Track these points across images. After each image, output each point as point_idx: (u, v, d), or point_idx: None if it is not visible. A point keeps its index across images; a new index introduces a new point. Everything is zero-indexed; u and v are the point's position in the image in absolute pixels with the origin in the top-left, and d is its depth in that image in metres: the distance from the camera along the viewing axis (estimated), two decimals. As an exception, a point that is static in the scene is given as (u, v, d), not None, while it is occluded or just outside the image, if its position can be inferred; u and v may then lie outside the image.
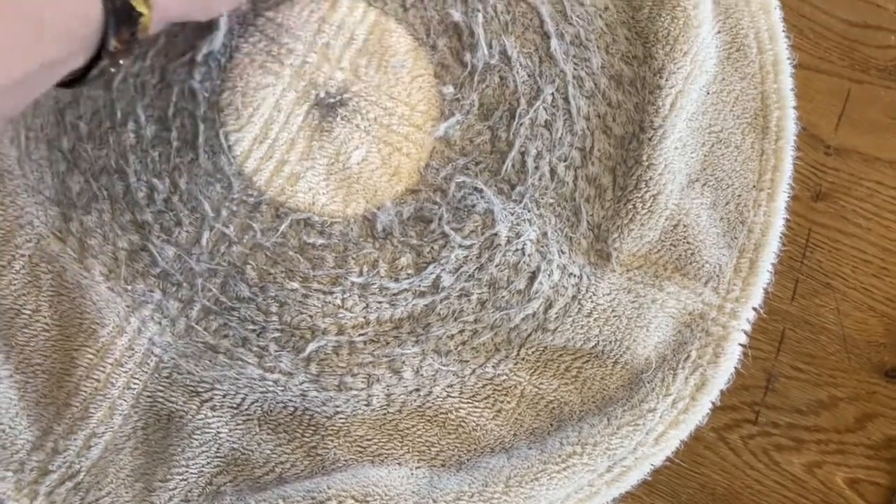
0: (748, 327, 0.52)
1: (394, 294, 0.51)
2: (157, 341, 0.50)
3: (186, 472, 0.48)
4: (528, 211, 0.52)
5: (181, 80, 0.52)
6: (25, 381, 0.48)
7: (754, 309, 0.53)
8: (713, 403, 0.51)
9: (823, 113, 0.58)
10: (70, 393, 0.48)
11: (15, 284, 0.49)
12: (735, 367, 0.52)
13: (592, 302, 0.52)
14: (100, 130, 0.51)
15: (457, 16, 0.54)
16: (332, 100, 0.53)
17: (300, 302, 0.51)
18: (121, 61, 0.41)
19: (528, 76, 0.54)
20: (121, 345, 0.49)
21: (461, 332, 0.51)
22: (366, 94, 0.53)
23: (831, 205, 0.57)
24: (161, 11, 0.41)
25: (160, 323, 0.50)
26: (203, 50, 0.52)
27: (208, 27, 0.52)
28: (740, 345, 0.52)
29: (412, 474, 0.49)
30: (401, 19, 0.54)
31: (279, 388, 0.50)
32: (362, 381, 0.50)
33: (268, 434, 0.49)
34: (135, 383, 0.49)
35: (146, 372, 0.49)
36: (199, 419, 0.49)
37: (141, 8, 0.39)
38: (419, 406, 0.51)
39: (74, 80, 0.41)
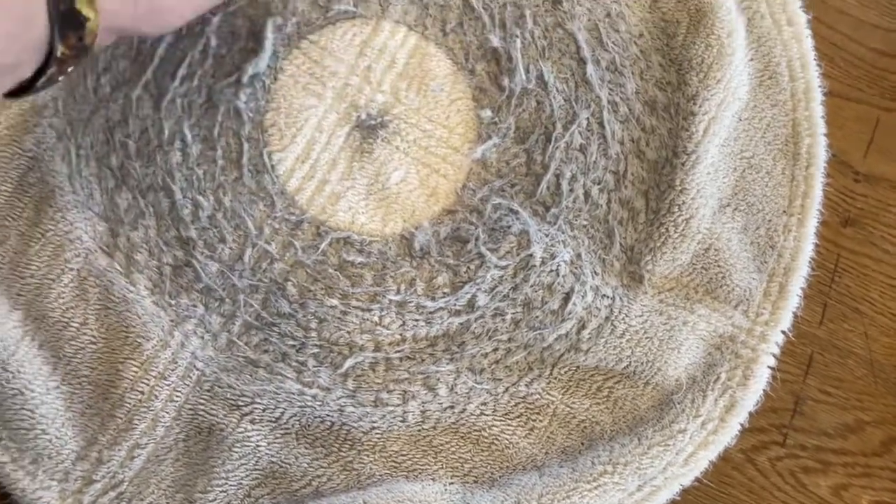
0: (777, 350, 0.53)
1: (430, 312, 0.52)
2: (199, 355, 0.51)
3: (226, 483, 0.49)
4: (563, 232, 0.53)
5: (227, 101, 0.53)
6: (72, 392, 0.49)
7: (783, 332, 0.54)
8: (741, 425, 0.52)
9: (853, 140, 0.59)
10: (115, 404, 0.49)
11: (64, 297, 0.50)
12: (763, 390, 0.53)
13: (625, 323, 0.53)
14: (148, 149, 0.53)
15: (495, 41, 0.55)
16: (372, 121, 0.54)
17: (339, 318, 0.52)
18: (69, 69, 0.40)
19: (564, 101, 0.55)
20: (164, 358, 0.50)
21: (495, 350, 0.52)
22: (405, 116, 0.55)
23: (860, 230, 0.58)
24: (109, 18, 0.40)
25: (203, 337, 0.51)
26: (249, 71, 0.53)
27: (254, 49, 0.53)
28: (769, 367, 0.53)
29: (446, 490, 0.50)
30: (440, 44, 0.56)
31: (317, 402, 0.51)
32: (398, 398, 0.51)
33: (305, 448, 0.50)
34: (177, 396, 0.50)
35: (188, 385, 0.50)
36: (240, 432, 0.50)
37: (86, 12, 0.38)
38: (453, 423, 0.52)
39: (22, 89, 0.40)
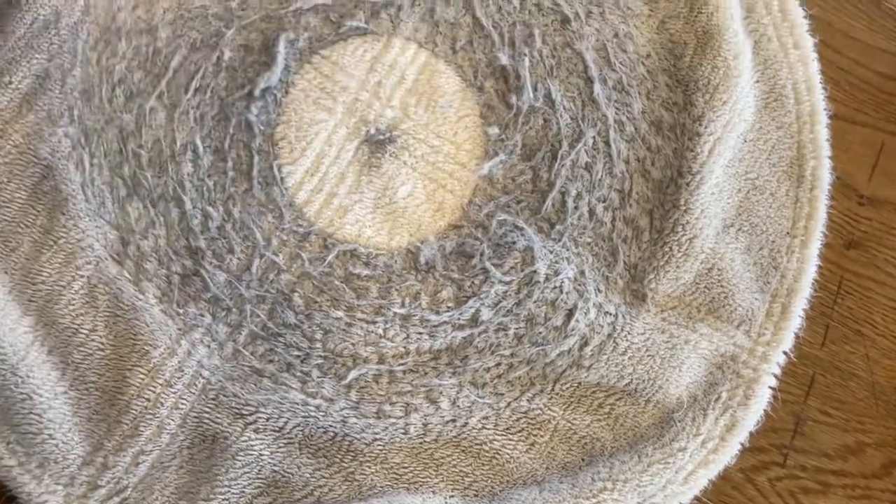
0: (778, 371, 0.53)
1: (434, 326, 0.53)
2: (205, 364, 0.51)
3: (229, 492, 0.50)
4: (567, 249, 0.54)
5: (239, 113, 0.54)
6: (79, 398, 0.50)
7: (785, 353, 0.54)
8: (742, 444, 0.52)
9: (858, 163, 0.60)
10: (121, 411, 0.50)
11: (74, 304, 0.51)
12: (764, 410, 0.53)
13: (627, 341, 0.53)
14: (160, 159, 0.54)
15: (504, 59, 0.56)
16: (381, 136, 0.55)
17: (344, 330, 0.52)
18: None
19: (571, 119, 0.56)
20: (171, 366, 0.51)
21: (498, 365, 0.53)
22: (414, 132, 0.56)
23: (863, 253, 0.58)
24: None
25: (209, 346, 0.52)
26: (261, 85, 0.54)
27: (266, 63, 0.54)
28: (770, 388, 0.53)
29: (446, 503, 0.51)
30: (450, 61, 0.57)
31: (320, 413, 0.51)
32: (400, 410, 0.52)
33: (308, 458, 0.51)
34: (183, 403, 0.51)
35: (194, 393, 0.51)
36: (243, 441, 0.50)
37: None
38: (455, 436, 0.52)
39: None
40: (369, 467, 0.51)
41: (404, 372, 0.52)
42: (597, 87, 0.56)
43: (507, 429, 0.52)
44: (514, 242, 0.54)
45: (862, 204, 0.59)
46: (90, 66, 0.55)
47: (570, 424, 0.52)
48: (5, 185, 0.52)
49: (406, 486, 0.51)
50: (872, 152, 0.60)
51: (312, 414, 0.51)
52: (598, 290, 0.54)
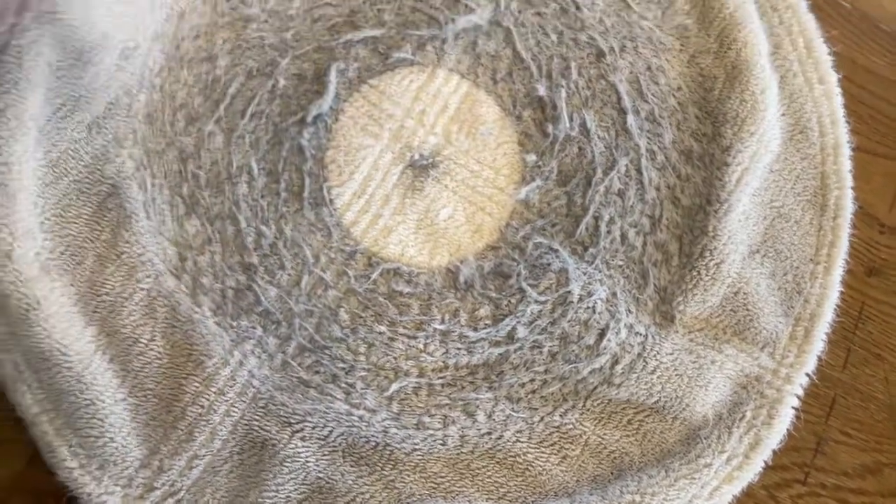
0: (801, 392, 0.56)
1: (472, 342, 0.56)
2: (256, 374, 0.54)
3: (276, 496, 0.52)
4: (600, 272, 0.57)
5: (291, 138, 0.57)
6: (137, 404, 0.53)
7: (807, 375, 0.56)
8: (765, 462, 0.54)
9: (879, 194, 0.62)
10: (177, 417, 0.53)
11: (134, 315, 0.54)
12: (787, 429, 0.55)
13: (656, 360, 0.56)
14: (217, 180, 0.57)
15: (541, 90, 0.59)
16: (424, 161, 0.58)
17: (386, 344, 0.55)
18: None
19: (605, 147, 0.59)
20: (224, 375, 0.54)
21: (532, 381, 0.55)
22: (455, 157, 0.58)
23: (884, 280, 0.60)
24: None
25: (259, 357, 0.54)
26: (313, 112, 0.57)
27: (318, 91, 0.57)
28: (793, 408, 0.55)
29: (481, 512, 0.53)
30: (490, 91, 0.60)
31: (363, 423, 0.54)
32: (439, 422, 0.54)
33: (351, 466, 0.53)
34: (234, 411, 0.53)
35: (245, 401, 0.54)
36: (290, 448, 0.53)
37: None
38: (490, 448, 0.55)
39: None
40: (408, 476, 0.53)
41: (443, 385, 0.55)
42: (630, 118, 0.59)
43: (541, 442, 0.55)
44: (549, 264, 0.57)
45: (883, 232, 0.61)
46: (154, 91, 0.58)
47: (600, 439, 0.55)
48: (73, 202, 0.55)
49: (443, 494, 0.54)
50: (893, 183, 0.62)
51: (356, 424, 0.54)
52: (629, 311, 0.56)
